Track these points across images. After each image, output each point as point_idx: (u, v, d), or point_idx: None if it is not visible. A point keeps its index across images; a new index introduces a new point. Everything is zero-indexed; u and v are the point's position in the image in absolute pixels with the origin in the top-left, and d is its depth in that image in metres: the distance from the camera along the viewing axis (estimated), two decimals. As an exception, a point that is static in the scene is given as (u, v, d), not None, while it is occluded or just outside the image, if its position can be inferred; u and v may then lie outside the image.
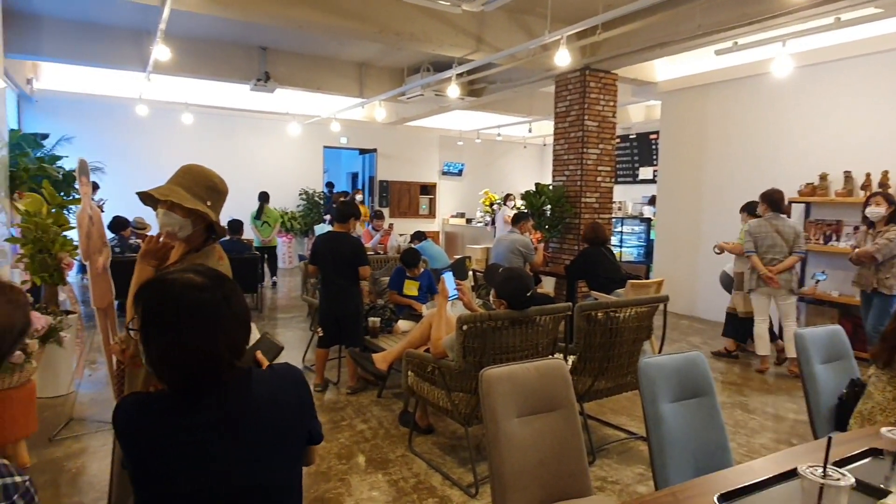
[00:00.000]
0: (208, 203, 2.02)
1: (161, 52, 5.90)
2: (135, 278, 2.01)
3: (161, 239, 2.03)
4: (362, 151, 13.95)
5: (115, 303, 3.80)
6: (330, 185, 11.40)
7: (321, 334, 4.48)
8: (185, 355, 1.18)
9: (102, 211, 8.42)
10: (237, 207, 7.88)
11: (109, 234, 7.46)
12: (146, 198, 2.04)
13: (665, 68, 8.04)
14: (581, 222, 7.24)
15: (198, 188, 2.01)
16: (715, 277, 7.01)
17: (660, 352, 4.04)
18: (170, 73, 7.93)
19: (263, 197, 9.47)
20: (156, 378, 1.23)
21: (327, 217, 10.47)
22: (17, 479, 1.06)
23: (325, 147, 12.92)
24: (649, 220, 10.28)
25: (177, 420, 1.19)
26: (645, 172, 11.91)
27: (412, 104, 10.32)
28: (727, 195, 7.28)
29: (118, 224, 7.63)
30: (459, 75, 6.99)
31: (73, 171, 4.92)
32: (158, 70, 7.68)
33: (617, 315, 3.47)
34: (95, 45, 7.45)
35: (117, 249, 7.24)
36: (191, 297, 1.19)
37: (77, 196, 4.69)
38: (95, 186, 8.61)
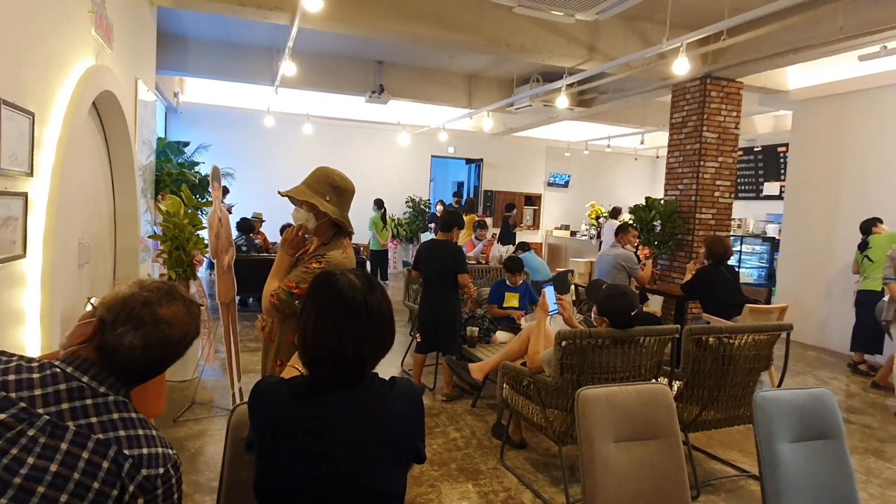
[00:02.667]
0: (327, 199, 2.19)
1: (288, 67, 6.36)
2: (275, 265, 2.26)
3: (298, 232, 2.26)
4: (469, 161, 14.12)
5: (237, 298, 4.12)
6: (441, 202, 11.67)
7: (419, 340, 4.57)
8: (339, 348, 1.28)
9: (231, 213, 9.26)
10: (351, 212, 8.24)
11: (237, 234, 8.14)
12: (289, 197, 2.27)
13: (798, 75, 7.40)
14: (694, 239, 6.84)
15: (319, 185, 2.20)
16: (849, 304, 6.32)
17: (779, 385, 3.71)
18: (294, 86, 8.53)
19: (380, 203, 10.09)
20: (302, 362, 1.34)
21: (432, 225, 10.75)
22: (171, 451, 1.20)
23: (433, 156, 13.22)
24: (773, 238, 9.49)
25: (306, 408, 1.28)
26: (770, 188, 11.03)
27: (520, 115, 10.30)
28: (866, 214, 6.55)
29: (246, 226, 8.28)
30: (569, 85, 6.88)
31: (208, 176, 5.42)
32: (285, 84, 8.29)
33: (731, 342, 3.24)
34: (232, 62, 8.19)
35: (244, 248, 7.85)
36: (353, 297, 1.30)
37: (210, 199, 5.16)
38: (225, 191, 9.43)
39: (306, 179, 2.23)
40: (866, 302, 5.72)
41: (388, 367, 5.47)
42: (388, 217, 10.19)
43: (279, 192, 2.27)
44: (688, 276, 5.45)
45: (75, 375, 1.15)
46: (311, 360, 1.32)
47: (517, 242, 7.62)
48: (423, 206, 12.66)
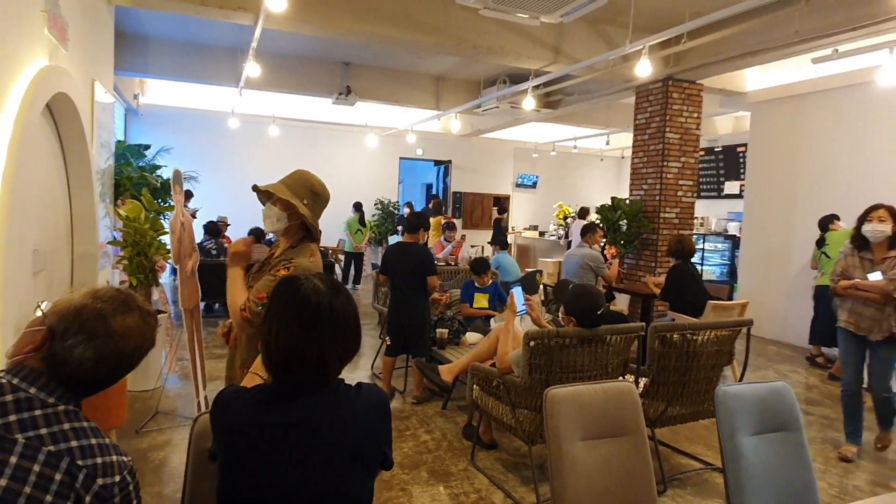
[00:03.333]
0: (305, 202, 2.18)
1: (252, 68, 6.26)
2: (231, 280, 2.19)
3: (247, 246, 2.22)
4: (437, 163, 14.14)
5: (203, 304, 4.04)
6: (409, 204, 11.64)
7: (389, 343, 4.56)
8: (303, 353, 1.27)
9: (195, 218, 9.07)
10: (326, 214, 8.18)
11: (205, 238, 7.97)
12: (261, 194, 2.26)
13: (756, 77, 7.63)
14: (659, 238, 6.98)
15: (298, 187, 2.20)
16: (808, 299, 6.54)
17: (741, 379, 3.81)
18: (259, 87, 8.40)
19: (359, 206, 10.08)
20: (265, 368, 1.32)
21: (399, 228, 10.74)
22: (125, 458, 1.18)
23: (402, 158, 13.19)
24: (734, 236, 9.75)
25: (271, 416, 1.27)
26: (731, 187, 11.33)
27: (487, 116, 10.35)
28: (823, 212, 6.79)
29: (214, 229, 8.11)
30: (536, 87, 6.95)
31: (170, 179, 5.31)
32: (250, 85, 8.16)
33: (695, 338, 3.31)
34: (195, 63, 8.02)
35: (214, 252, 7.68)
36: (317, 301, 1.29)
37: (172, 203, 5.04)
38: (189, 195, 9.24)
39: (284, 179, 2.21)
40: (823, 296, 5.92)
41: (358, 371, 5.44)
42: (366, 220, 10.14)
43: (255, 187, 2.23)
44: (652, 286, 5.55)
45: (22, 387, 1.11)
46: (274, 365, 1.30)
47: (496, 238, 7.67)
48: (391, 209, 12.62)
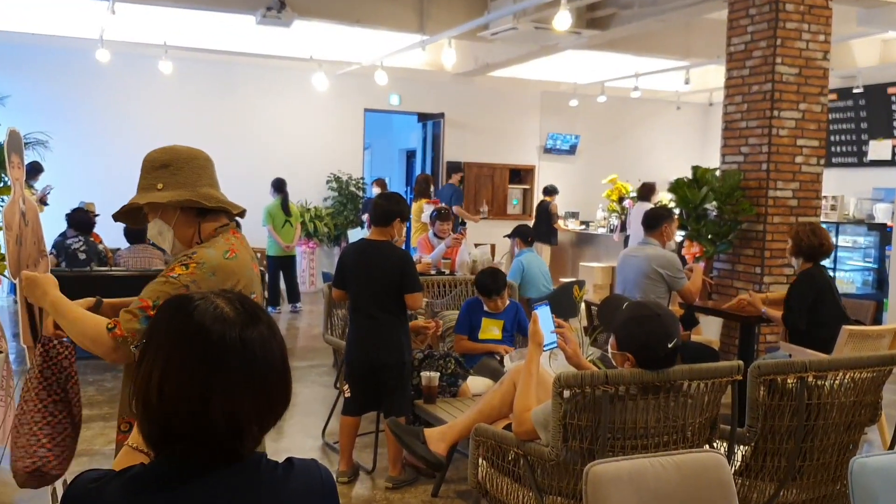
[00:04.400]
0: (159, 186, 2.30)
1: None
2: (60, 312, 2.31)
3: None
4: (423, 117, 14.13)
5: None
6: (381, 182, 11.65)
7: (348, 395, 4.57)
8: (201, 413, 1.26)
9: (46, 204, 9.05)
10: (236, 196, 8.18)
11: (70, 234, 7.94)
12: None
13: (912, -20, 7.69)
14: (767, 229, 7.02)
15: (146, 177, 2.34)
16: None
17: (893, 445, 3.82)
18: (144, 0, 8.39)
19: (281, 185, 10.01)
20: (143, 436, 1.32)
21: (365, 217, 10.76)
22: None
23: (368, 110, 13.18)
24: (885, 226, 9.81)
25: None
26: (879, 149, 11.41)
27: (499, 43, 10.36)
28: None
29: (83, 222, 8.08)
30: (573, -3, 6.98)
31: (2, 145, 5.28)
32: (127, -3, 8.14)
33: (821, 383, 3.32)
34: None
35: (82, 256, 7.65)
36: (222, 333, 1.29)
37: (6, 182, 5.02)
38: (37, 169, 9.20)
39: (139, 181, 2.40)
40: None
41: (300, 438, 5.42)
42: (292, 206, 10.10)
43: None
44: (758, 304, 5.55)
45: None
46: (158, 432, 1.29)
47: (516, 227, 7.67)
48: (354, 188, 12.62)
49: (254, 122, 12.18)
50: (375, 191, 11.33)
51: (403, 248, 6.98)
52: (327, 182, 12.64)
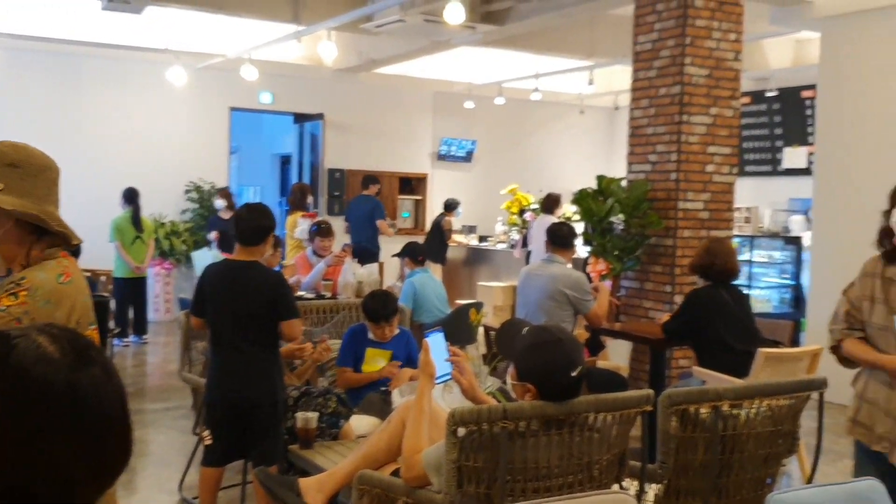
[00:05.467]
0: (1, 186, 2.21)
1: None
2: None
3: None
4: (299, 118, 14.00)
5: None
6: (226, 192, 11.31)
7: (209, 441, 4.45)
8: (22, 472, 1.19)
9: None
10: (77, 211, 7.93)
11: None
12: None
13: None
14: (677, 243, 7.23)
15: None
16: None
17: (811, 478, 3.98)
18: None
19: (132, 196, 9.74)
20: None
21: (212, 236, 10.50)
22: None
23: (234, 109, 12.99)
24: (800, 239, 10.24)
25: None
26: (793, 156, 11.91)
27: (385, 37, 10.39)
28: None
29: None
30: (466, -13, 7.08)
31: None
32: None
33: (736, 412, 3.41)
34: None
35: None
36: (45, 377, 1.22)
37: None
38: None
39: None
40: None
41: (154, 493, 5.29)
42: (145, 220, 9.84)
43: None
44: (662, 318, 5.73)
45: None
46: None
47: (405, 246, 7.68)
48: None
49: (99, 123, 11.80)
50: (220, 204, 11.04)
51: (277, 268, 6.93)
52: (186, 192, 12.35)
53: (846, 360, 3.31)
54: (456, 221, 13.96)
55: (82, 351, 1.29)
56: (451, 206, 12.93)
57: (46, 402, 1.22)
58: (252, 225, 4.45)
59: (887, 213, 3.13)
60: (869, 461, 3.12)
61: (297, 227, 9.15)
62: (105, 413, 1.28)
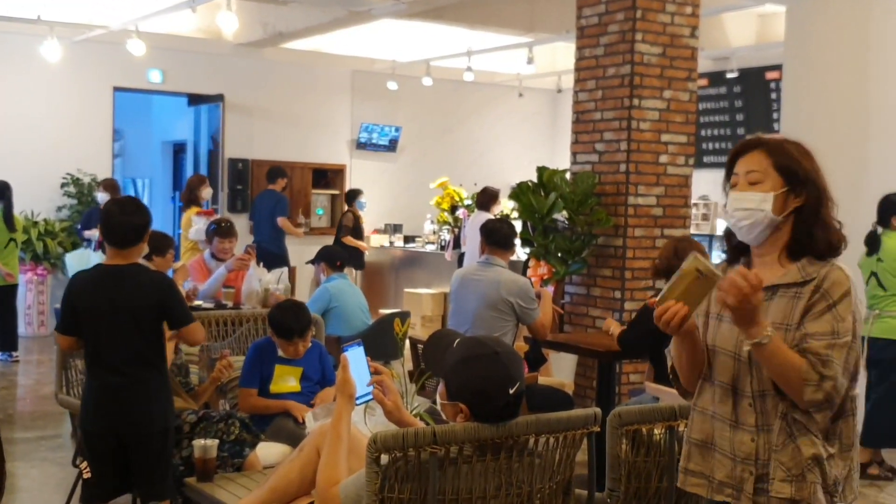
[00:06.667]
0: None
1: None
2: None
3: None
4: (195, 100, 13.85)
5: None
6: (111, 184, 11.11)
7: (88, 475, 4.41)
8: None
9: None
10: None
11: None
12: None
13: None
14: (627, 243, 7.32)
15: None
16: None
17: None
18: None
19: (4, 191, 9.61)
20: None
21: (89, 235, 10.34)
22: None
23: (118, 89, 12.85)
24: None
25: None
26: (756, 146, 12.13)
27: (295, 6, 10.35)
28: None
29: None
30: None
31: None
32: None
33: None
34: None
35: None
36: None
37: None
38: None
39: None
40: (883, 357, 6.41)
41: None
42: (17, 218, 9.66)
43: None
44: (613, 331, 5.80)
45: None
46: None
47: (321, 249, 7.66)
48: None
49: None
50: (103, 197, 10.80)
51: (170, 272, 6.86)
52: (63, 185, 12.15)
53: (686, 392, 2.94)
54: (373, 218, 13.95)
55: None
56: (352, 198, 12.82)
57: None
58: (124, 223, 4.37)
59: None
60: None
61: (191, 226, 9.05)
62: None
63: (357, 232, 12.57)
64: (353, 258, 12.28)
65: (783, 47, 8.71)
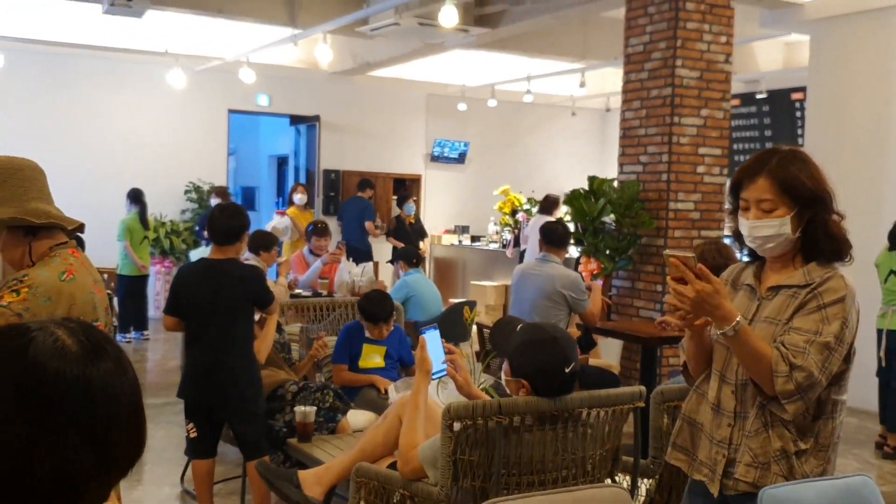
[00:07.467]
0: None
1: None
2: None
3: None
4: (295, 120, 13.99)
5: None
6: (221, 190, 11.23)
7: (194, 434, 4.49)
8: (26, 468, 1.17)
9: None
10: (79, 212, 7.87)
11: None
12: None
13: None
14: (668, 243, 7.24)
15: None
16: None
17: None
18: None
19: (138, 196, 9.86)
20: None
21: (204, 236, 10.49)
22: None
23: (232, 111, 12.98)
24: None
25: None
26: (783, 158, 11.93)
27: (380, 40, 10.38)
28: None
29: None
30: (460, -9, 7.07)
31: None
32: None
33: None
34: None
35: None
36: (59, 371, 1.20)
37: None
38: None
39: None
40: None
41: (156, 487, 5.31)
42: (150, 219, 9.90)
43: None
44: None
45: None
46: None
47: (399, 249, 7.65)
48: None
49: (100, 125, 11.78)
50: (215, 201, 10.99)
51: (276, 266, 6.96)
52: (186, 192, 12.34)
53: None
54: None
55: (98, 344, 1.28)
56: (400, 202, 12.52)
57: (59, 396, 1.21)
58: (224, 225, 4.48)
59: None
60: (695, 493, 2.67)
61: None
62: (117, 409, 1.26)
63: (399, 233, 12.16)
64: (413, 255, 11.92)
65: (807, 71, 8.58)
